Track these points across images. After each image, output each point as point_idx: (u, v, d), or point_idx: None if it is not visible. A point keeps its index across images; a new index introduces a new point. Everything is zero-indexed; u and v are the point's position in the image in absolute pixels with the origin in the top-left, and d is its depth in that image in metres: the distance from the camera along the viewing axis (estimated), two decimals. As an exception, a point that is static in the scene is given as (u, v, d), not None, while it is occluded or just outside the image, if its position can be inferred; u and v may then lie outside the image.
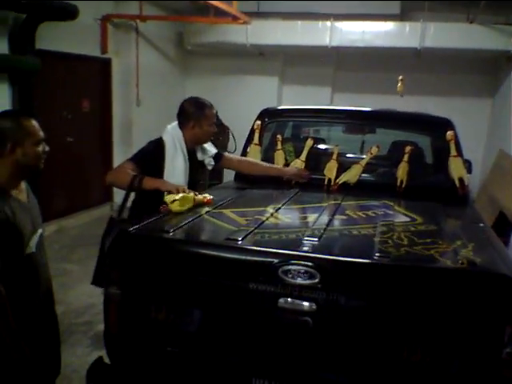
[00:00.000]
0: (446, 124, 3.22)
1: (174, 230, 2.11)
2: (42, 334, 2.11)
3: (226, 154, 3.32)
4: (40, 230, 2.11)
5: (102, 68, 6.73)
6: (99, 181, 6.67)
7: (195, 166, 2.97)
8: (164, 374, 2.05)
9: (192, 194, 2.49)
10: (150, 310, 2.02)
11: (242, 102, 7.47)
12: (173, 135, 2.86)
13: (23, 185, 2.07)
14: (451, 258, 1.89)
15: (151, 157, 2.80)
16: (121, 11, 6.64)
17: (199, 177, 3.14)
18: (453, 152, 3.14)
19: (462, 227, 2.52)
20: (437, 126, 3.31)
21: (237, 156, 3.42)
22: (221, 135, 7.49)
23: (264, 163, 3.31)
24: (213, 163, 3.11)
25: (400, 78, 4.01)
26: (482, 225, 2.52)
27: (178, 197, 2.40)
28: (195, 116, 2.86)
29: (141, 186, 2.62)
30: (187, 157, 2.86)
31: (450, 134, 3.15)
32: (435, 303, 1.78)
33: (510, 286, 1.73)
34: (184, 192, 2.47)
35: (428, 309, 1.78)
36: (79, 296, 4.19)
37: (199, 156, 3.01)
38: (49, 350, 2.20)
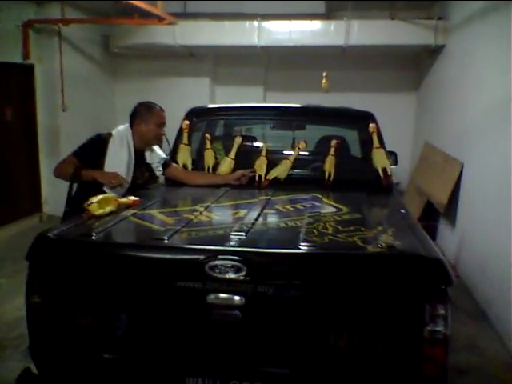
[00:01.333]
0: (368, 117, 3.33)
1: (96, 233, 2.05)
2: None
3: (174, 164, 3.33)
4: None
5: (24, 74, 6.44)
6: (27, 191, 6.41)
7: (141, 167, 3.06)
8: (94, 379, 2.00)
9: (113, 195, 2.44)
10: (75, 317, 1.95)
11: (174, 104, 7.25)
12: (122, 132, 3.00)
13: None
14: (372, 243, 1.96)
15: (92, 149, 2.92)
16: (43, 16, 6.39)
17: (143, 179, 3.15)
18: (375, 144, 3.25)
19: (385, 214, 2.62)
20: (359, 120, 3.42)
21: (183, 168, 3.39)
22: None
23: (209, 174, 3.34)
24: (161, 169, 3.18)
25: (324, 74, 4.12)
26: (403, 211, 2.63)
27: (96, 199, 2.34)
28: (143, 114, 3.05)
29: (80, 177, 2.77)
30: (133, 153, 2.96)
31: (372, 126, 3.26)
32: (357, 287, 1.84)
33: (426, 266, 1.81)
34: (120, 181, 2.48)
35: (351, 293, 1.84)
36: (10, 310, 4.01)
37: (148, 158, 3.10)
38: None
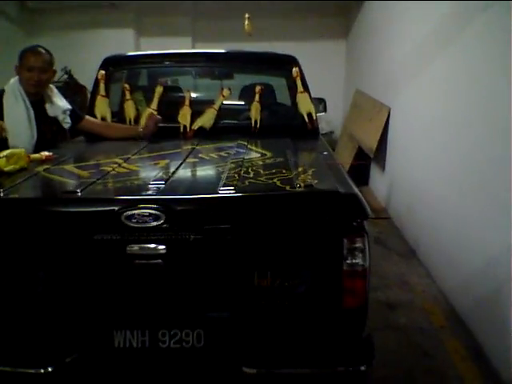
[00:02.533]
0: (291, 61, 3.29)
1: (4, 190, 1.93)
2: None
3: (87, 116, 3.15)
4: None
5: None
6: None
7: (45, 122, 2.86)
8: (16, 339, 1.93)
9: (22, 150, 2.30)
10: None
11: (97, 59, 7.01)
12: (13, 84, 2.82)
13: None
14: (290, 184, 1.96)
15: None
16: None
17: (51, 133, 2.94)
18: (299, 88, 3.24)
19: (307, 157, 2.64)
20: (282, 64, 3.38)
21: (100, 121, 3.22)
22: (78, 95, 7.05)
23: (124, 126, 3.19)
24: (69, 121, 2.99)
25: (246, 16, 4.00)
26: (325, 153, 2.65)
27: (3, 153, 2.20)
28: (18, 61, 2.84)
29: None
30: (30, 105, 2.77)
31: (295, 70, 3.23)
32: (276, 227, 1.85)
33: (342, 201, 1.84)
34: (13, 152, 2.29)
35: (271, 234, 1.85)
36: None
37: (50, 111, 2.89)
38: None
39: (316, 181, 1.98)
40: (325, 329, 1.90)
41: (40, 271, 1.88)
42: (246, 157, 2.51)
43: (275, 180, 2.03)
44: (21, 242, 1.86)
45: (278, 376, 1.87)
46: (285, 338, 1.90)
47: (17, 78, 2.87)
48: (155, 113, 3.20)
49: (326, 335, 1.90)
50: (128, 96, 3.24)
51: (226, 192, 1.88)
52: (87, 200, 1.90)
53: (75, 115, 3.06)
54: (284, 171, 2.18)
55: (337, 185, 1.94)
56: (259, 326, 1.90)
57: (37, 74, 2.80)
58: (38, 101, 2.86)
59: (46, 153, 2.44)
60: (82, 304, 1.90)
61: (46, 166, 2.31)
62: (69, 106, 3.02)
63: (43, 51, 2.86)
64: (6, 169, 2.19)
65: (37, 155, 2.40)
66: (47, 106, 2.90)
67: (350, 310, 1.89)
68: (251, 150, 2.73)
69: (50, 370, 1.84)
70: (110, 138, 3.08)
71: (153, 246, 1.79)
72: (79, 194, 1.89)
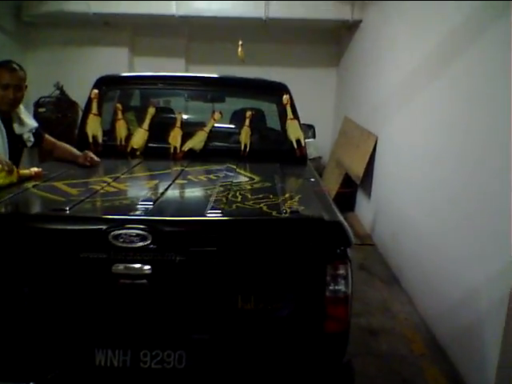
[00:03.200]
0: (282, 88, 3.36)
1: None
2: None
3: (47, 135, 3.06)
4: None
5: None
6: None
7: (14, 141, 2.74)
8: (4, 353, 1.92)
9: (13, 166, 2.31)
10: None
11: (90, 76, 7.05)
12: None
13: None
14: (277, 209, 2.00)
15: None
16: None
17: (19, 152, 2.86)
18: (289, 115, 3.30)
19: (294, 183, 2.69)
20: (273, 91, 3.44)
21: (54, 140, 3.10)
22: (69, 111, 7.07)
23: (72, 150, 3.02)
24: (32, 140, 2.88)
25: (240, 43, 4.09)
26: (312, 180, 2.70)
27: None
28: None
29: None
30: (2, 125, 2.65)
31: (285, 98, 3.30)
32: (261, 252, 1.87)
33: (326, 228, 1.88)
34: (8, 165, 2.28)
35: (255, 258, 1.87)
36: None
37: (16, 129, 2.78)
38: None
39: (302, 207, 2.02)
40: (306, 353, 1.92)
41: (25, 287, 1.88)
42: (235, 180, 2.55)
43: (262, 205, 2.07)
44: (6, 257, 1.86)
45: None
46: (266, 361, 1.91)
47: None
48: (146, 132, 3.23)
49: (307, 359, 1.92)
50: (120, 115, 3.26)
51: (213, 215, 1.90)
52: (75, 218, 1.91)
53: (38, 134, 2.97)
54: (271, 196, 2.22)
55: (322, 212, 1.98)
56: (241, 349, 1.91)
57: (12, 92, 2.67)
58: (6, 118, 2.75)
59: (36, 169, 2.45)
60: (64, 321, 1.90)
61: (34, 183, 2.32)
62: (35, 125, 2.93)
63: (17, 67, 2.73)
64: None
65: (26, 171, 2.40)
66: (15, 124, 2.79)
67: (331, 335, 1.92)
68: (240, 173, 2.77)
69: None
70: (58, 159, 2.99)
71: (138, 266, 1.80)
72: (68, 211, 1.91)
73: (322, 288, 1.86)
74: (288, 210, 1.96)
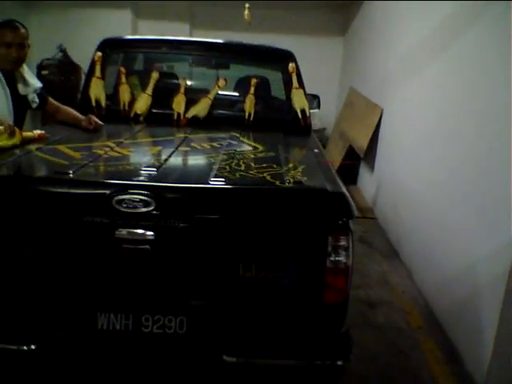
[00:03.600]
0: (288, 56, 3.31)
1: None
2: None
3: (51, 98, 3.03)
4: None
5: None
6: None
7: (18, 102, 2.71)
8: (3, 316, 1.94)
9: (16, 128, 2.29)
10: None
11: (93, 39, 6.95)
12: None
13: None
14: (280, 179, 1.99)
15: None
16: None
17: (23, 114, 2.83)
18: (295, 84, 3.25)
19: (298, 153, 2.67)
20: (279, 58, 3.39)
21: (58, 103, 3.08)
22: (72, 74, 6.99)
23: (75, 113, 3.01)
24: (37, 101, 2.85)
25: (246, 5, 4.01)
26: (316, 151, 2.68)
27: None
28: None
29: None
30: (5, 82, 2.62)
31: (291, 66, 3.25)
32: (264, 221, 1.87)
33: (329, 199, 1.88)
34: (10, 127, 2.26)
35: (257, 227, 1.87)
36: None
37: (21, 89, 2.74)
38: None
39: (305, 178, 2.02)
40: (305, 322, 1.94)
41: (28, 249, 1.88)
42: (238, 149, 2.54)
43: (265, 174, 2.06)
44: (10, 220, 1.87)
45: (257, 366, 1.91)
46: (266, 329, 1.94)
47: None
48: (150, 98, 3.20)
49: (306, 328, 1.95)
50: (123, 79, 3.22)
51: (216, 183, 1.90)
52: (79, 182, 1.91)
53: (42, 96, 2.94)
54: (275, 166, 2.21)
55: (325, 183, 1.98)
56: (241, 316, 1.93)
57: (16, 51, 2.65)
58: (10, 78, 2.72)
59: (39, 131, 2.43)
60: (67, 284, 1.92)
61: (38, 145, 2.31)
62: (39, 85, 2.90)
63: (20, 26, 2.70)
64: None
65: (29, 133, 2.39)
66: (19, 84, 2.77)
67: (331, 306, 1.94)
68: (243, 142, 2.76)
69: (33, 347, 1.86)
70: (60, 122, 2.99)
71: (141, 231, 1.81)
72: (71, 175, 1.90)
73: (322, 258, 1.87)
74: (291, 180, 1.95)
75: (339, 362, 1.92)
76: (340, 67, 8.33)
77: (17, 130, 2.32)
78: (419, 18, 4.39)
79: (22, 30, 2.68)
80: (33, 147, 2.28)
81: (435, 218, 3.47)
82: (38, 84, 2.86)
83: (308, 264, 1.89)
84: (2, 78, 2.61)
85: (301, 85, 3.27)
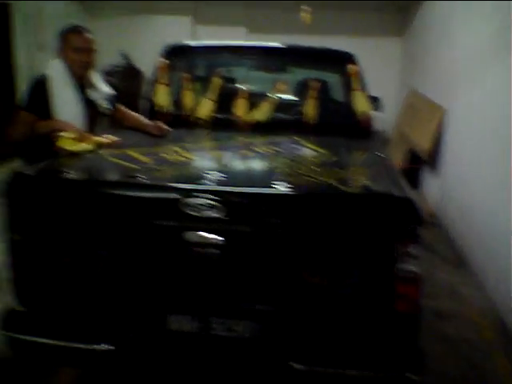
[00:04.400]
0: (348, 58, 3.27)
1: (72, 171, 2.04)
2: None
3: (120, 105, 3.11)
4: None
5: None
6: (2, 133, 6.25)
7: (88, 105, 2.78)
8: (78, 315, 2.03)
9: (89, 134, 2.39)
10: (56, 254, 1.96)
11: (155, 44, 7.16)
12: (58, 67, 2.70)
13: None
14: (346, 184, 1.97)
15: (36, 96, 2.62)
16: None
17: (95, 119, 2.89)
18: (356, 86, 3.21)
19: (362, 157, 2.63)
20: (339, 60, 3.35)
21: (126, 110, 3.16)
22: (134, 80, 7.21)
23: (141, 118, 3.09)
24: (107, 107, 2.91)
25: (305, 7, 3.99)
26: (380, 155, 2.64)
27: (68, 134, 2.30)
28: (60, 42, 2.72)
29: (36, 132, 2.48)
30: (78, 88, 2.70)
31: (352, 67, 3.21)
32: (331, 226, 1.86)
33: (397, 205, 1.84)
34: (80, 132, 2.36)
35: (324, 232, 1.86)
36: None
37: (91, 95, 2.82)
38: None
39: (371, 182, 1.98)
40: (375, 332, 1.90)
41: (101, 251, 1.96)
42: (301, 153, 2.53)
43: (330, 179, 2.05)
44: (85, 222, 1.95)
45: (325, 374, 1.89)
46: (334, 337, 1.91)
47: (58, 60, 2.74)
48: (212, 103, 3.25)
49: (377, 339, 1.90)
50: (187, 85, 3.28)
51: (281, 188, 1.90)
52: (150, 186, 1.97)
53: (112, 102, 3.01)
54: (338, 170, 2.19)
55: (392, 188, 1.94)
56: (309, 323, 1.92)
57: (85, 55, 2.70)
58: (80, 83, 2.77)
59: (111, 137, 2.52)
60: (138, 286, 1.98)
61: (109, 150, 2.40)
62: (111, 92, 2.96)
63: (87, 31, 2.75)
64: (69, 148, 2.29)
65: (103, 138, 2.48)
66: (89, 89, 2.83)
67: (402, 316, 1.88)
68: (305, 146, 2.74)
69: (106, 347, 1.93)
70: (128, 128, 3.05)
71: (209, 235, 1.84)
72: (142, 179, 1.96)
73: (390, 266, 1.83)
74: (356, 185, 1.93)
75: (414, 377, 1.85)
76: (398, 68, 8.14)
77: (89, 135, 2.42)
78: (487, 14, 4.22)
79: (89, 35, 2.74)
80: (105, 152, 2.37)
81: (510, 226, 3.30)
82: (107, 90, 2.92)
83: (375, 272, 1.86)
84: (74, 84, 2.69)
85: (362, 87, 3.23)
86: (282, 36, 7.44)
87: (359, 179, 2.04)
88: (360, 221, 1.85)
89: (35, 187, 2.01)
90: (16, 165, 6.04)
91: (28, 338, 2.00)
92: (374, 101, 3.86)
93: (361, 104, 3.20)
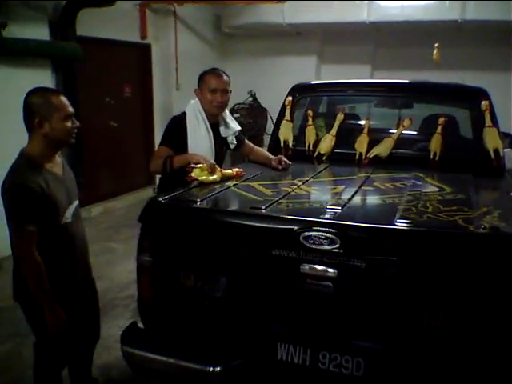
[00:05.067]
0: (481, 94, 3.13)
1: (201, 200, 2.19)
2: (78, 298, 2.26)
3: (247, 140, 3.27)
4: (76, 202, 2.24)
5: (141, 53, 6.89)
6: (142, 164, 6.87)
7: (219, 142, 2.96)
8: (192, 336, 2.14)
9: (217, 166, 2.56)
10: (179, 277, 2.10)
11: (280, 84, 7.40)
12: (194, 106, 2.90)
13: (58, 158, 2.20)
14: (474, 224, 1.87)
15: (174, 132, 2.84)
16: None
17: (223, 154, 3.11)
18: (488, 122, 3.06)
19: (491, 196, 2.48)
20: (471, 96, 3.23)
21: (252, 145, 3.31)
22: (260, 117, 7.54)
23: (264, 153, 3.23)
24: (235, 143, 3.08)
25: (436, 45, 3.91)
26: None
27: (199, 165, 2.48)
28: (198, 83, 2.92)
29: (172, 166, 2.67)
30: (209, 127, 2.88)
31: (484, 103, 3.07)
32: (456, 267, 1.78)
33: None
34: (211, 165, 2.53)
35: (448, 273, 1.79)
36: (123, 272, 4.37)
37: (222, 131, 2.99)
38: (87, 313, 2.35)
39: (503, 223, 1.86)
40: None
41: (221, 276, 2.07)
42: (424, 190, 2.46)
43: (456, 218, 1.96)
44: (209, 248, 2.07)
45: None
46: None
47: (196, 100, 2.92)
48: (334, 138, 3.30)
49: None
50: (310, 121, 3.38)
51: (403, 225, 1.86)
52: (271, 217, 2.04)
53: (240, 138, 3.15)
54: (466, 209, 2.09)
55: None
56: (424, 367, 1.83)
57: (220, 96, 2.84)
58: (214, 123, 2.94)
59: (237, 169, 2.68)
60: (253, 312, 2.04)
61: (235, 182, 2.55)
62: (238, 128, 3.11)
63: (223, 73, 2.90)
64: (200, 178, 2.47)
65: (229, 171, 2.64)
66: (221, 127, 2.98)
67: None
68: (428, 183, 2.66)
69: (217, 369, 1.98)
70: (252, 161, 3.21)
71: (325, 268, 1.85)
72: (264, 210, 2.05)
73: None
74: (487, 226, 1.82)
75: None
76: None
77: (217, 167, 2.59)
78: None
79: (225, 77, 2.90)
80: (230, 183, 2.52)
81: None
82: (237, 127, 3.09)
83: (498, 320, 1.74)
84: (207, 122, 2.89)
85: (494, 123, 3.07)
86: (407, 72, 7.31)
87: (489, 220, 1.92)
88: (486, 264, 1.75)
89: (167, 213, 2.18)
90: (149, 192, 6.62)
91: (143, 353, 2.13)
92: (506, 137, 3.64)
93: (493, 141, 3.04)
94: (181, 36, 7.08)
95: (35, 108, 2.01)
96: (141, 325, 2.28)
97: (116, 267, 4.53)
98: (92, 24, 5.61)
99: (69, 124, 2.09)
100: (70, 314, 2.13)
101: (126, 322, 3.47)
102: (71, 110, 2.11)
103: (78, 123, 2.14)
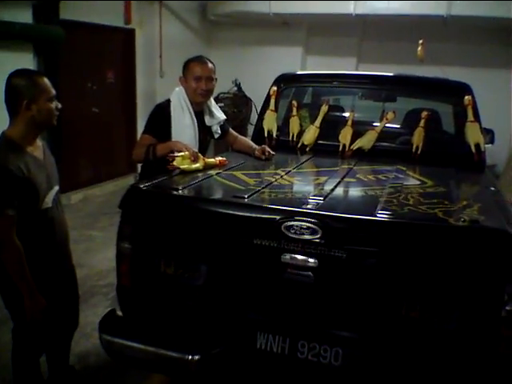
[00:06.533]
0: (464, 89, 3.16)
1: (183, 188, 2.17)
2: (58, 284, 2.23)
3: (231, 130, 3.24)
4: (56, 187, 2.20)
5: (125, 39, 6.79)
6: (124, 152, 6.80)
7: (203, 130, 2.94)
8: (172, 324, 2.13)
9: (200, 155, 2.54)
10: (159, 265, 2.09)
11: (265, 74, 7.38)
12: (178, 94, 2.86)
13: (39, 142, 2.16)
14: (453, 216, 1.89)
15: (158, 120, 2.81)
16: (144, -19, 6.63)
17: (207, 143, 3.08)
18: (470, 117, 3.09)
19: (472, 190, 2.51)
20: (454, 91, 3.26)
21: (236, 134, 3.26)
22: (244, 107, 7.52)
23: (249, 142, 3.20)
24: (219, 132, 3.06)
25: (420, 41, 3.93)
26: (492, 189, 2.50)
27: (180, 153, 2.45)
28: (183, 70, 2.88)
29: (156, 154, 2.64)
30: (194, 115, 2.85)
31: (467, 98, 3.09)
32: (434, 260, 1.80)
33: (510, 243, 1.73)
34: (194, 154, 2.51)
35: (427, 265, 1.80)
36: (102, 260, 4.33)
37: (207, 120, 2.97)
38: (66, 300, 2.32)
39: (482, 217, 1.88)
40: (474, 374, 1.79)
41: (202, 264, 2.06)
42: (405, 182, 2.48)
43: (437, 210, 1.98)
44: (189, 236, 2.06)
45: None
46: (427, 374, 1.83)
47: (181, 88, 2.88)
48: (317, 130, 3.30)
49: (475, 381, 1.79)
50: (294, 112, 3.38)
51: (384, 216, 1.87)
52: (253, 206, 2.04)
53: (225, 127, 3.12)
54: (446, 202, 2.11)
55: (506, 224, 1.83)
56: (401, 357, 1.86)
57: (204, 84, 2.80)
58: (198, 111, 2.90)
59: (220, 158, 2.66)
60: (233, 301, 2.04)
61: (218, 171, 2.53)
62: (223, 117, 3.09)
63: (208, 61, 2.87)
64: (182, 167, 2.45)
65: (211, 159, 2.62)
66: (206, 116, 2.96)
67: (505, 359, 1.76)
68: (410, 176, 2.69)
69: (196, 358, 1.98)
70: (235, 151, 3.18)
71: (306, 258, 1.86)
72: (246, 199, 2.04)
73: (497, 306, 1.72)
74: (466, 219, 1.84)
75: None
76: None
77: (200, 156, 2.56)
78: None
79: (210, 65, 2.86)
80: (213, 172, 2.50)
81: None
82: (222, 117, 3.06)
83: (478, 311, 1.76)
84: (192, 110, 2.86)
85: (477, 118, 3.10)
86: (392, 66, 7.33)
87: (469, 213, 1.94)
88: (466, 256, 1.77)
89: (148, 201, 2.16)
90: (130, 180, 6.56)
91: (122, 341, 2.12)
92: (488, 133, 3.69)
93: (474, 136, 3.07)
94: (166, 22, 6.98)
95: (22, 90, 1.97)
96: (119, 312, 2.26)
97: (96, 255, 4.49)
98: (75, 7, 5.50)
99: (53, 105, 2.06)
100: (49, 301, 2.11)
101: (104, 310, 3.44)
102: (54, 91, 2.08)
103: (60, 105, 2.12)
